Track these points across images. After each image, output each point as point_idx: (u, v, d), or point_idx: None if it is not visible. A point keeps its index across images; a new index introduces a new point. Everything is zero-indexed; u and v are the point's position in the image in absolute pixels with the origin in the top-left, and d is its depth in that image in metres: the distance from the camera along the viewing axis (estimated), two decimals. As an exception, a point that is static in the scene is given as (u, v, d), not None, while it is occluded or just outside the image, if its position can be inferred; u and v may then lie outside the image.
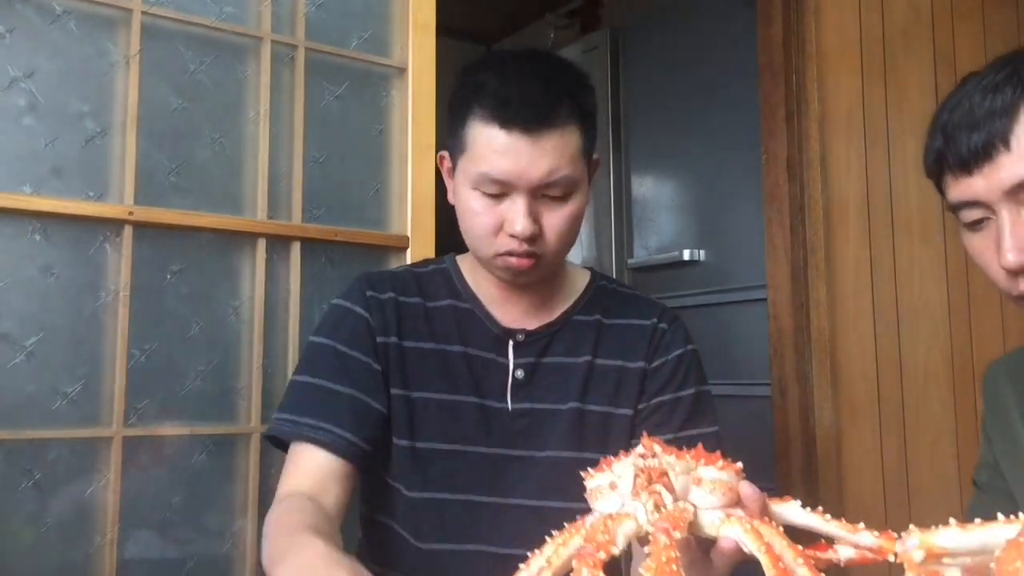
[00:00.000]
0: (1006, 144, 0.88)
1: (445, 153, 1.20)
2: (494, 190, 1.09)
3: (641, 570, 0.67)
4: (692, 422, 1.18)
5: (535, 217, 1.09)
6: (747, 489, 0.76)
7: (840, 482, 2.23)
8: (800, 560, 0.69)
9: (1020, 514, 0.58)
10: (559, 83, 1.11)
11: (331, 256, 1.65)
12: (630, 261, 3.12)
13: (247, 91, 1.59)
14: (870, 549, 0.72)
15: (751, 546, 0.71)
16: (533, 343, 1.20)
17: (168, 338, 1.49)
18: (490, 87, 1.09)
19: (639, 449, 0.76)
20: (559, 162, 1.08)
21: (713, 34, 2.84)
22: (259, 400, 1.54)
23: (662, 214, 3.07)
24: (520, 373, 1.18)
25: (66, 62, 1.43)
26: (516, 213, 1.09)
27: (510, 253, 1.11)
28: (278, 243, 1.59)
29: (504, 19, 4.02)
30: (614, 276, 3.14)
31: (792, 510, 0.77)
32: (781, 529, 0.73)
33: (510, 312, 1.21)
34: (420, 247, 1.70)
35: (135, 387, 1.44)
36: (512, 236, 1.10)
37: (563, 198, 1.11)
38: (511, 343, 1.19)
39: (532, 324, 1.21)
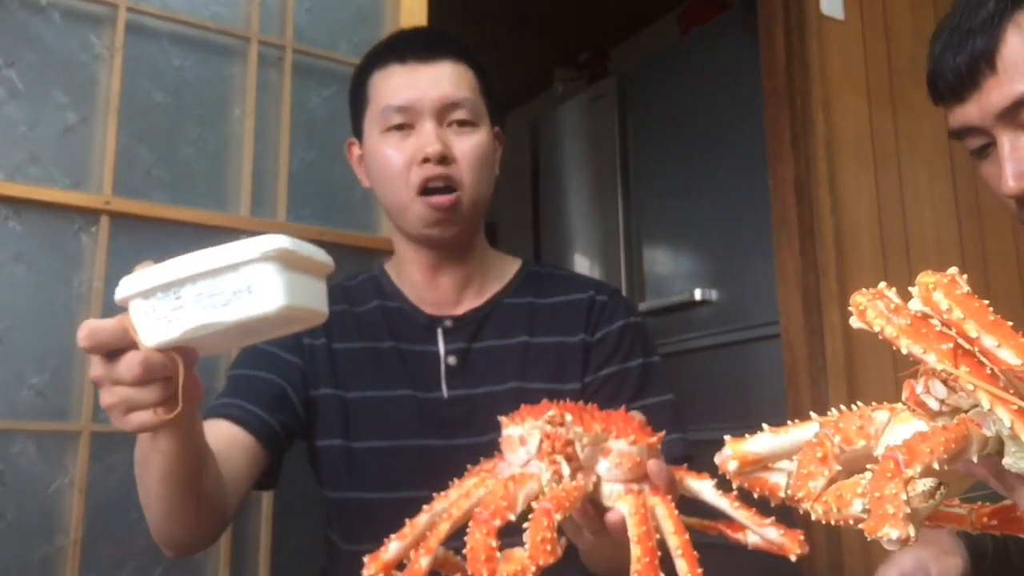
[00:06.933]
0: (990, 65, 0.83)
1: (353, 139, 1.23)
2: (400, 119, 1.12)
3: (518, 549, 0.68)
4: (644, 392, 1.16)
5: (444, 142, 1.11)
6: (654, 466, 0.77)
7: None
8: (681, 552, 0.72)
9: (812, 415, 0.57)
10: (443, 33, 1.23)
11: (316, 256, 1.60)
12: (641, 305, 3.05)
13: (233, 90, 1.58)
14: (772, 543, 0.76)
15: (630, 530, 0.73)
16: (462, 329, 1.18)
17: (143, 332, 1.44)
18: (384, 45, 1.21)
19: (550, 413, 0.77)
20: (457, 86, 1.14)
21: (717, 69, 2.83)
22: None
23: (672, 255, 3.02)
24: (452, 360, 1.16)
25: (48, 53, 1.43)
26: (425, 135, 1.11)
27: (428, 188, 1.11)
28: (261, 241, 1.55)
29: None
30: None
31: (706, 489, 0.79)
32: (676, 513, 0.75)
33: (435, 299, 1.20)
34: (409, 250, 1.65)
35: (106, 381, 1.39)
36: (425, 161, 1.10)
37: (469, 126, 1.14)
38: (439, 330, 1.17)
39: (459, 310, 1.19)
